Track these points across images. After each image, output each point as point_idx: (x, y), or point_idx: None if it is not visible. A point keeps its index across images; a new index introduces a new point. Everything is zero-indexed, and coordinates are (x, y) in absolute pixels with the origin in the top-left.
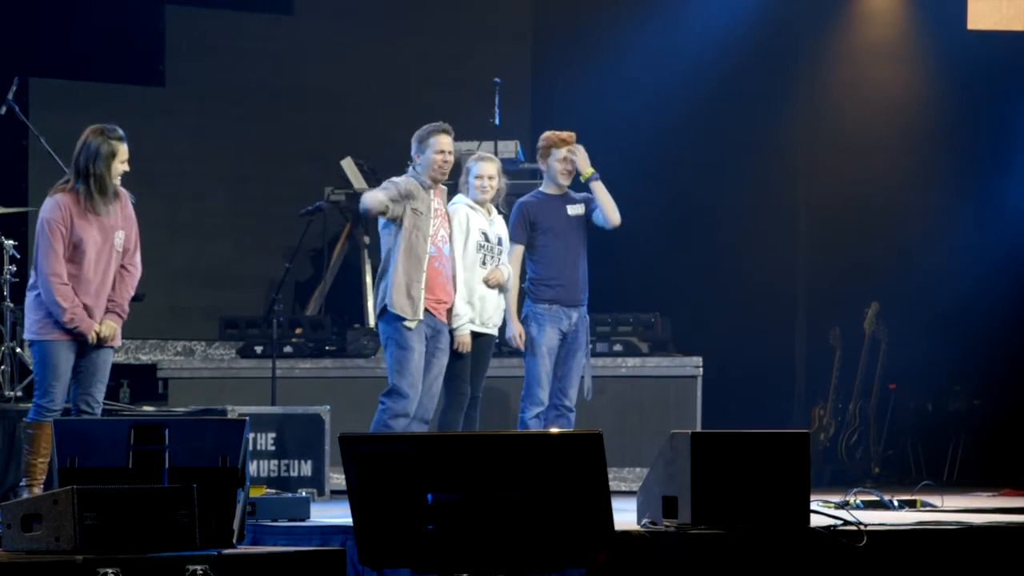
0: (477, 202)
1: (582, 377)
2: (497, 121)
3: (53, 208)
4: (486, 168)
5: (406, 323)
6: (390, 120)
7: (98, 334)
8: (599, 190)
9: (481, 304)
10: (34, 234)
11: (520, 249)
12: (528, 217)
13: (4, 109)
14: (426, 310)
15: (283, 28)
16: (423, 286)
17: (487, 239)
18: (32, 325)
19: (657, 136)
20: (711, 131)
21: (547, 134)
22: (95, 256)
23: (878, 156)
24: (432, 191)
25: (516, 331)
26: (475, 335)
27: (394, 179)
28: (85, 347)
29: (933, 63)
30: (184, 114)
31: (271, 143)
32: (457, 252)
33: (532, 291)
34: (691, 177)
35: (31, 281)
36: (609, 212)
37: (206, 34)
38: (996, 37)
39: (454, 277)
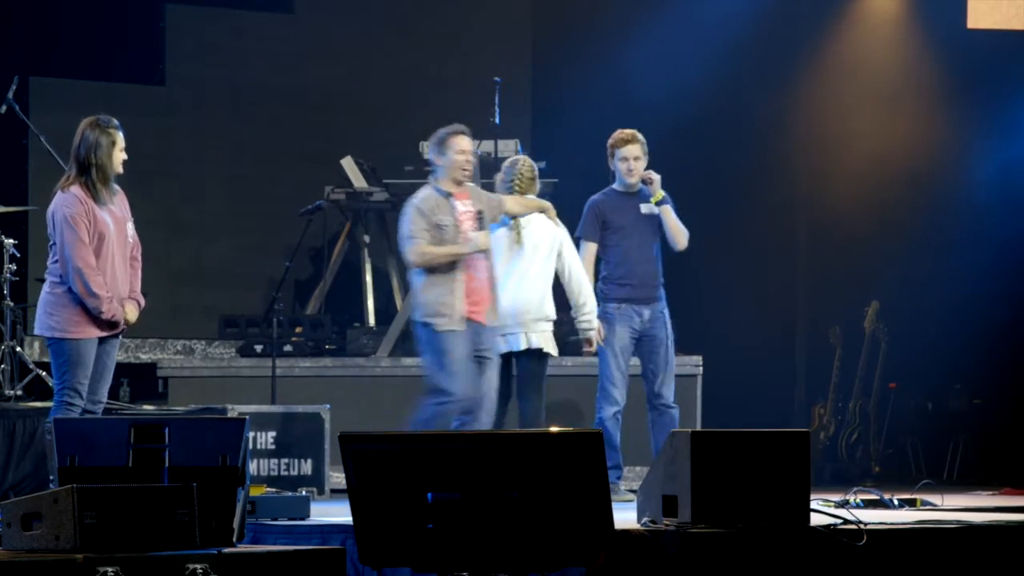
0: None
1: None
2: (497, 120)
3: (72, 201)
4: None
5: (437, 328)
6: (390, 119)
7: (126, 321)
8: (666, 214)
9: None
10: (33, 233)
11: (593, 247)
12: (599, 216)
13: (4, 108)
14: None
15: (283, 27)
16: (458, 294)
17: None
18: (59, 323)
19: (657, 135)
20: (711, 130)
21: (613, 135)
22: (115, 247)
23: (878, 154)
24: (453, 197)
25: (597, 327)
26: None
27: (413, 219)
28: (99, 346)
29: (933, 62)
30: (184, 113)
31: (271, 142)
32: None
33: (603, 290)
34: (691, 175)
35: (52, 278)
36: (675, 236)
37: (206, 33)
38: (996, 36)
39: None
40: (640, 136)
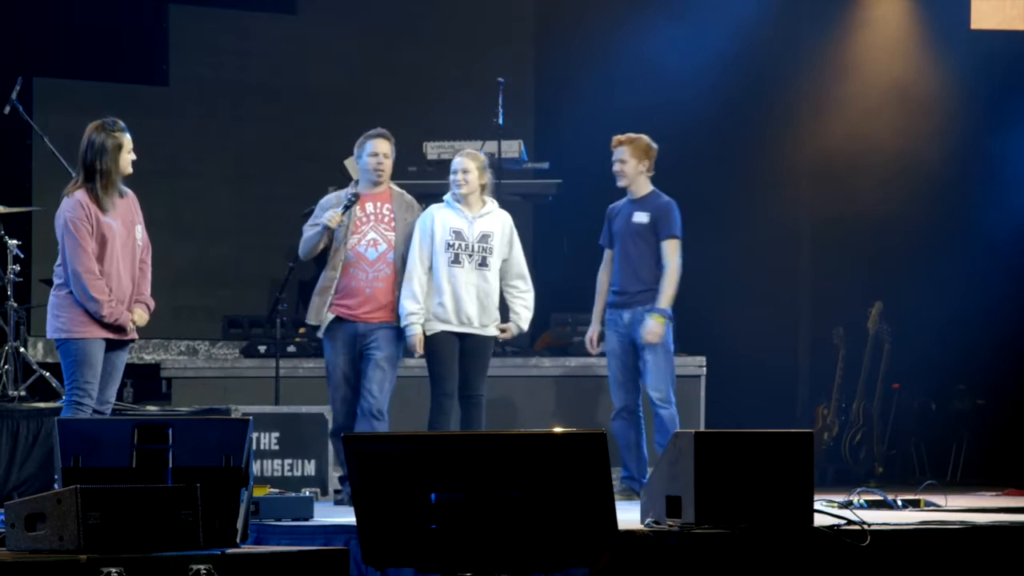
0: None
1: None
2: (500, 121)
3: (75, 206)
4: (461, 163)
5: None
6: (393, 119)
7: (133, 323)
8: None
9: (456, 304)
10: (37, 234)
11: (608, 254)
12: (608, 222)
13: (8, 108)
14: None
15: (286, 28)
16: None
17: (460, 237)
18: (65, 324)
19: (660, 136)
20: (714, 131)
21: None
22: (121, 250)
23: (881, 155)
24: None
25: (590, 334)
26: (461, 335)
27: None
28: (108, 347)
29: (936, 63)
30: (187, 114)
31: (274, 142)
32: (412, 252)
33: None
34: (694, 177)
35: (59, 281)
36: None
37: (209, 33)
38: (1000, 36)
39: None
40: (630, 137)
